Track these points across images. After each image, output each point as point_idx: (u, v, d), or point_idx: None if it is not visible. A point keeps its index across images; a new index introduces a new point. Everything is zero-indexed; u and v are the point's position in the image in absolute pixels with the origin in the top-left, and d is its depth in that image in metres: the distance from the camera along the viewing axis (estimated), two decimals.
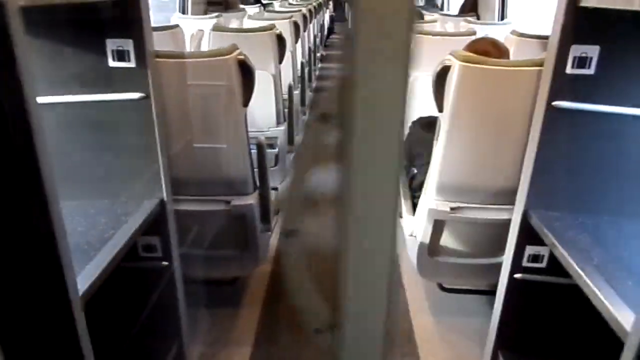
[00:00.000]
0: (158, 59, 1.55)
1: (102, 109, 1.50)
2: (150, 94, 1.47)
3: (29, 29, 1.27)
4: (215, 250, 1.96)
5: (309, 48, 5.22)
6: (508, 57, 1.81)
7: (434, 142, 1.73)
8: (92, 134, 1.53)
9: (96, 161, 1.56)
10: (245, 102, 1.70)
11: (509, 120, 1.62)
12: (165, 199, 1.60)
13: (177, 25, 2.56)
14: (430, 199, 1.78)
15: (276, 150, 2.82)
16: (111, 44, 1.43)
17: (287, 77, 3.15)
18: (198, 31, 2.68)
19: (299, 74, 3.84)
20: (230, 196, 1.79)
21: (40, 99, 1.30)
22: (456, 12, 5.28)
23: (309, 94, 5.39)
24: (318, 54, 7.62)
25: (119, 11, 1.38)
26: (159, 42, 2.54)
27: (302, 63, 4.02)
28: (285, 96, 3.07)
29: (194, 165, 1.75)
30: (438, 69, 1.62)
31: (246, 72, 1.67)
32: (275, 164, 2.88)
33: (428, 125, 1.82)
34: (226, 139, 1.71)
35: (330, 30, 12.57)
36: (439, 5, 6.30)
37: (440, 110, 1.66)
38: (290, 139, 3.02)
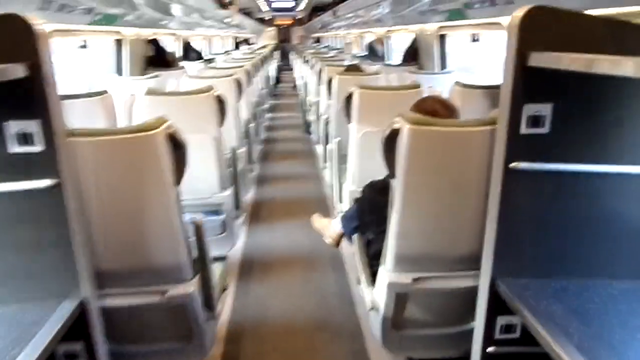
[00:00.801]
0: (72, 139, 1.36)
1: (8, 201, 1.28)
2: (62, 181, 1.27)
3: None
4: (154, 345, 1.72)
5: (255, 102, 5.14)
6: (457, 116, 1.74)
7: (389, 208, 1.60)
8: None
9: (4, 259, 1.32)
10: (177, 181, 1.51)
11: (466, 183, 1.52)
12: (86, 298, 1.37)
13: (105, 92, 2.37)
14: (390, 270, 1.63)
15: (222, 216, 2.62)
16: (12, 127, 1.23)
17: (230, 138, 3.00)
18: (130, 96, 2.50)
19: (244, 131, 3.71)
20: (165, 285, 1.57)
21: None
22: (398, 61, 5.39)
23: (257, 148, 5.25)
24: (265, 106, 7.58)
25: (20, 89, 1.19)
26: (86, 111, 2.38)
27: (246, 120, 3.89)
28: (229, 157, 2.91)
29: (121, 254, 1.53)
30: (387, 132, 1.52)
31: (177, 146, 1.49)
32: (222, 232, 2.67)
33: (382, 189, 1.69)
34: (156, 223, 1.51)
35: (277, 80, 12.71)
36: (381, 55, 6.44)
37: (393, 175, 1.54)
38: (237, 203, 2.83)
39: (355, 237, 2.17)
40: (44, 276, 1.35)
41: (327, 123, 3.60)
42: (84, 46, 3.09)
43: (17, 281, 1.34)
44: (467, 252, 1.59)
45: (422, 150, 1.48)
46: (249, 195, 4.09)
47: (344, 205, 2.80)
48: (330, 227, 2.48)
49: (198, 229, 1.68)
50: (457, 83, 2.43)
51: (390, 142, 1.51)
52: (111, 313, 1.51)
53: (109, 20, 3.26)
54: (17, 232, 1.31)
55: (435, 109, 1.67)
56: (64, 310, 1.32)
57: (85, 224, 1.39)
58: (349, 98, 2.57)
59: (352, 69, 3.71)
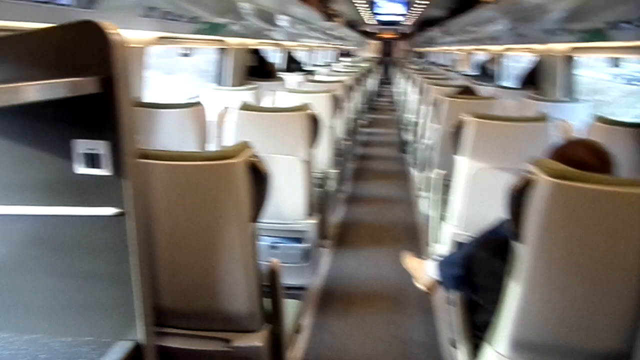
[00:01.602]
0: (144, 160, 1.21)
1: (67, 226, 1.15)
2: (126, 211, 1.11)
3: None
4: None
5: (352, 119, 4.93)
6: (613, 170, 1.34)
7: (507, 276, 1.26)
8: (53, 255, 1.17)
9: (56, 288, 1.20)
10: (255, 216, 1.31)
11: (619, 260, 1.14)
12: (142, 341, 1.20)
13: (198, 103, 2.27)
14: (502, 355, 1.29)
15: (305, 245, 2.41)
16: (80, 146, 1.09)
17: (322, 159, 2.80)
18: (223, 109, 2.39)
19: (338, 150, 3.49)
20: (231, 332, 1.37)
21: None
22: (510, 84, 4.87)
23: (350, 166, 5.02)
24: (363, 122, 7.36)
25: (91, 104, 1.06)
26: (178, 122, 2.31)
27: (341, 138, 3.68)
28: (319, 179, 2.69)
29: (185, 293, 1.35)
30: (517, 182, 1.19)
31: (259, 177, 1.29)
32: (304, 261, 2.46)
33: (499, 250, 1.36)
34: (227, 263, 1.31)
35: (378, 94, 12.47)
36: (492, 75, 5.90)
37: (518, 237, 1.20)
38: (323, 232, 2.61)
39: (455, 293, 1.84)
40: (100, 311, 1.21)
41: (430, 149, 3.27)
42: (186, 54, 3.08)
43: (71, 312, 1.22)
44: (609, 348, 1.20)
45: (565, 213, 1.13)
46: (336, 217, 3.86)
47: (441, 247, 2.46)
48: (423, 270, 2.15)
49: (274, 274, 1.46)
50: (600, 118, 1.99)
51: (520, 195, 1.18)
52: (168, 355, 1.35)
53: (215, 29, 3.23)
54: (74, 259, 1.18)
55: (584, 161, 1.28)
56: (118, 353, 1.17)
57: (149, 258, 1.23)
58: (459, 126, 2.23)
59: (464, 91, 3.34)
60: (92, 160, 1.10)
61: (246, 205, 1.27)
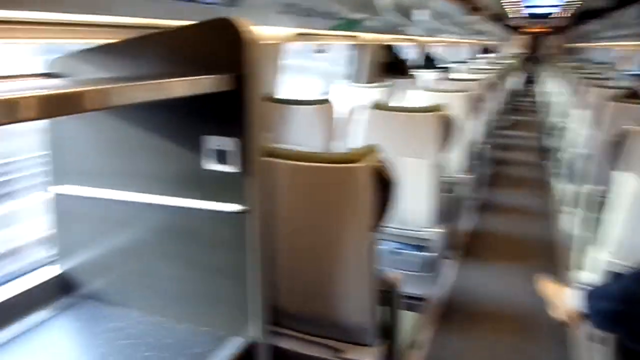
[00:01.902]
0: (270, 159, 1.19)
1: (194, 218, 1.18)
2: (250, 208, 1.11)
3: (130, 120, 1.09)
4: None
5: (490, 120, 4.56)
6: None
7: None
8: (180, 244, 1.22)
9: (181, 276, 1.25)
10: (375, 226, 1.22)
11: None
12: (256, 339, 1.20)
13: (326, 100, 2.25)
14: None
15: (429, 254, 2.26)
16: (210, 142, 1.11)
17: (454, 163, 2.60)
18: (354, 107, 2.34)
19: (474, 154, 3.23)
20: (343, 343, 1.30)
21: (133, 196, 1.13)
22: None
23: (485, 171, 4.67)
24: (502, 124, 6.83)
25: (223, 101, 1.07)
26: (306, 119, 2.32)
27: (478, 141, 3.41)
28: (450, 185, 2.51)
29: (301, 295, 1.32)
30: None
31: (384, 184, 1.20)
32: (427, 271, 2.31)
33: None
34: (345, 271, 1.25)
35: (522, 94, 11.50)
36: None
37: None
38: (450, 242, 2.43)
39: (606, 331, 1.55)
40: (218, 304, 1.23)
41: (583, 159, 2.86)
42: (320, 51, 3.10)
43: (193, 301, 1.26)
44: None
45: None
46: (467, 225, 3.59)
47: (588, 275, 2.11)
48: (564, 298, 1.86)
49: (393, 286, 1.36)
50: None
51: None
52: (279, 356, 1.33)
53: (350, 25, 3.20)
54: (198, 251, 1.21)
55: None
56: (232, 348, 1.18)
57: (268, 257, 1.22)
58: (623, 136, 1.89)
59: (630, 94, 2.85)
60: (221, 156, 1.11)
61: (368, 213, 1.19)
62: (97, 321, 1.31)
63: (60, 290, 1.41)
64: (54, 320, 1.33)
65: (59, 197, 1.35)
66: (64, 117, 1.26)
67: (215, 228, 1.17)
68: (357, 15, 3.23)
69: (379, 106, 2.20)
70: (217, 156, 1.11)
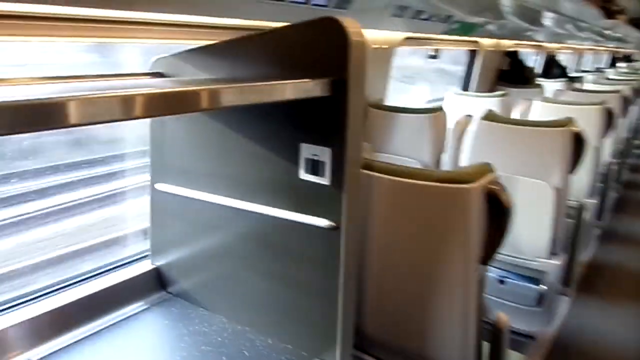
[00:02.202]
0: (367, 172, 1.09)
1: (284, 229, 1.12)
2: (341, 225, 1.01)
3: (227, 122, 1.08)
4: None
5: (626, 138, 4.00)
6: None
7: None
8: (268, 255, 1.17)
9: (267, 288, 1.19)
10: (485, 258, 1.06)
11: None
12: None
13: (439, 109, 2.08)
14: None
15: (542, 288, 1.99)
16: (306, 151, 1.03)
17: (580, 187, 2.28)
18: (465, 117, 2.14)
19: (602, 176, 2.84)
20: None
21: (226, 201, 1.13)
22: None
23: (613, 195, 4.11)
24: (638, 141, 6.02)
25: (322, 107, 0.98)
26: (417, 128, 2.17)
27: (609, 161, 2.98)
28: (573, 211, 2.20)
29: (390, 322, 1.20)
30: None
31: (498, 210, 1.04)
32: (537, 305, 2.04)
33: None
34: (443, 304, 1.10)
35: None
36: None
37: None
38: (568, 277, 2.12)
39: None
40: (302, 322, 1.16)
41: None
42: (433, 56, 2.92)
43: (277, 315, 1.20)
44: None
45: None
46: (585, 256, 3.17)
47: None
48: None
49: (498, 331, 1.18)
50: None
51: None
52: None
53: (467, 29, 2.97)
54: (286, 263, 1.15)
55: None
56: None
57: (358, 278, 1.11)
58: None
59: None
60: (315, 166, 1.03)
61: (477, 242, 1.03)
62: (184, 322, 1.30)
63: (152, 286, 1.43)
64: (143, 315, 1.35)
65: (156, 193, 1.37)
66: (169, 117, 1.28)
67: (305, 242, 1.09)
68: (476, 19, 2.99)
69: (491, 117, 1.99)
70: (312, 166, 1.03)
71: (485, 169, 1.05)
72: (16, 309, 1.20)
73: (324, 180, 1.02)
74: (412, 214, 1.10)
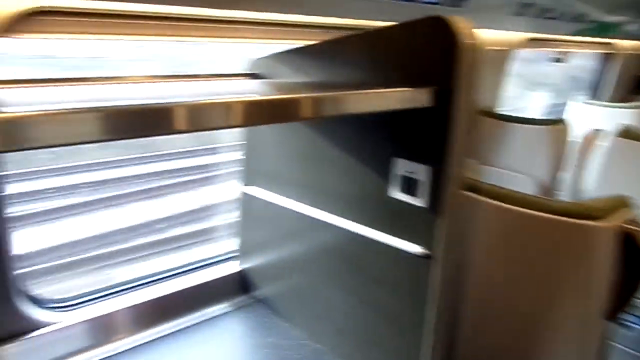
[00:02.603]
0: (471, 194, 0.95)
1: (369, 249, 1.02)
2: (434, 254, 0.89)
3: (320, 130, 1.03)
4: None
5: None
6: None
7: None
8: (350, 273, 1.08)
9: (349, 308, 1.10)
10: (612, 313, 0.86)
11: None
12: None
13: (560, 121, 1.82)
14: None
15: None
16: (400, 167, 0.92)
17: None
18: (592, 131, 1.86)
19: None
20: None
21: (313, 212, 1.07)
22: None
23: None
24: None
25: (421, 119, 0.87)
26: (535, 140, 1.93)
27: None
28: None
29: None
30: None
31: (633, 255, 0.84)
32: None
33: None
34: (553, 356, 0.92)
35: None
36: None
37: None
38: None
39: None
40: (385, 351, 1.05)
41: None
42: (558, 59, 2.60)
43: (358, 339, 1.11)
44: None
45: None
46: None
47: None
48: None
49: None
50: None
51: None
52: None
53: (603, 29, 2.61)
54: (370, 285, 1.05)
55: None
56: None
57: (451, 313, 0.98)
58: None
59: None
60: (409, 185, 0.91)
61: (602, 292, 0.84)
62: (263, 331, 1.27)
63: (237, 289, 1.42)
64: (225, 318, 1.33)
65: (246, 197, 1.34)
66: None
67: (392, 266, 0.98)
68: (614, 18, 2.61)
69: (629, 134, 1.69)
70: (406, 184, 0.92)
71: (620, 201, 0.85)
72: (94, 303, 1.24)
73: (419, 202, 0.90)
74: (524, 249, 0.94)
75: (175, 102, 0.55)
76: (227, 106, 0.60)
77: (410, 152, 0.89)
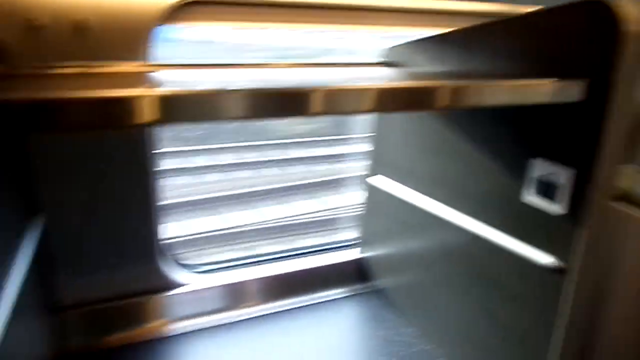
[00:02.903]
0: (623, 206, 0.83)
1: (494, 254, 0.95)
2: (569, 267, 0.80)
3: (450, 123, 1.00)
4: None
5: None
6: None
7: None
8: (472, 276, 1.02)
9: (467, 315, 1.04)
10: None
11: None
12: None
13: None
14: None
15: None
16: (536, 169, 0.84)
17: None
18: None
19: None
20: None
21: (436, 208, 1.05)
22: None
23: None
24: None
25: (566, 115, 0.78)
26: None
27: None
28: None
29: None
30: None
31: None
32: None
33: None
34: None
35: None
36: None
37: None
38: None
39: None
40: None
41: None
42: None
43: (473, 347, 1.04)
44: None
45: None
46: None
47: None
48: None
49: None
50: None
51: None
52: None
53: None
54: (492, 293, 0.97)
55: None
56: None
57: (588, 336, 0.87)
58: None
59: None
60: (546, 189, 0.82)
61: None
62: (375, 322, 1.26)
63: (356, 276, 1.43)
64: (341, 303, 1.36)
65: (370, 187, 1.34)
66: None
67: (518, 275, 0.90)
68: None
69: None
70: (543, 188, 0.83)
71: None
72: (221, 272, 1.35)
73: (557, 208, 0.80)
74: None
75: (314, 86, 0.58)
76: (361, 92, 0.61)
77: (551, 152, 0.80)
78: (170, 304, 1.24)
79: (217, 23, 1.08)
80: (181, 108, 0.52)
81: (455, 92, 0.67)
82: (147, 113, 0.50)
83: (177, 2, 0.98)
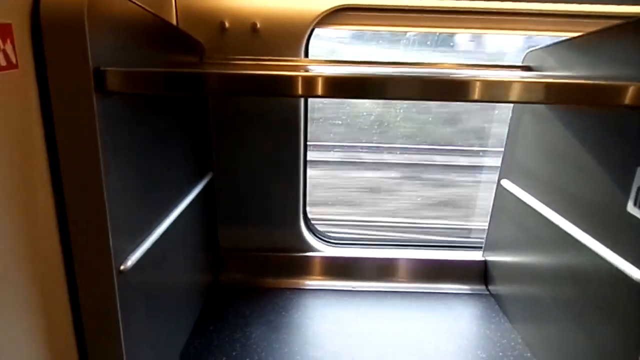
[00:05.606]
0: None
1: (594, 267, 0.91)
2: None
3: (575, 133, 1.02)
4: None
5: None
6: None
7: None
8: (574, 290, 0.98)
9: (573, 335, 1.01)
10: None
11: None
12: None
13: None
14: None
15: None
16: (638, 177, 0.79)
17: None
18: None
19: None
20: None
21: (555, 217, 1.05)
22: None
23: None
24: None
25: None
26: None
27: None
28: None
29: None
30: None
31: None
32: None
33: None
34: None
35: None
36: None
37: None
38: None
39: None
40: None
41: None
42: None
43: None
44: None
45: None
46: None
47: None
48: None
49: None
50: None
51: None
52: None
53: None
54: (597, 315, 0.91)
55: None
56: None
57: None
58: None
59: None
60: None
61: None
62: (483, 321, 1.29)
63: (475, 276, 1.45)
64: (456, 297, 1.40)
65: (500, 188, 1.34)
66: (525, 112, 1.21)
67: (613, 289, 0.84)
68: None
69: None
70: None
71: None
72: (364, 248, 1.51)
73: None
74: None
75: (472, 77, 0.69)
76: (508, 84, 0.70)
77: None
78: (307, 264, 1.47)
79: (364, 27, 1.25)
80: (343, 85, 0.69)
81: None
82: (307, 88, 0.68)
83: (330, 8, 1.19)
